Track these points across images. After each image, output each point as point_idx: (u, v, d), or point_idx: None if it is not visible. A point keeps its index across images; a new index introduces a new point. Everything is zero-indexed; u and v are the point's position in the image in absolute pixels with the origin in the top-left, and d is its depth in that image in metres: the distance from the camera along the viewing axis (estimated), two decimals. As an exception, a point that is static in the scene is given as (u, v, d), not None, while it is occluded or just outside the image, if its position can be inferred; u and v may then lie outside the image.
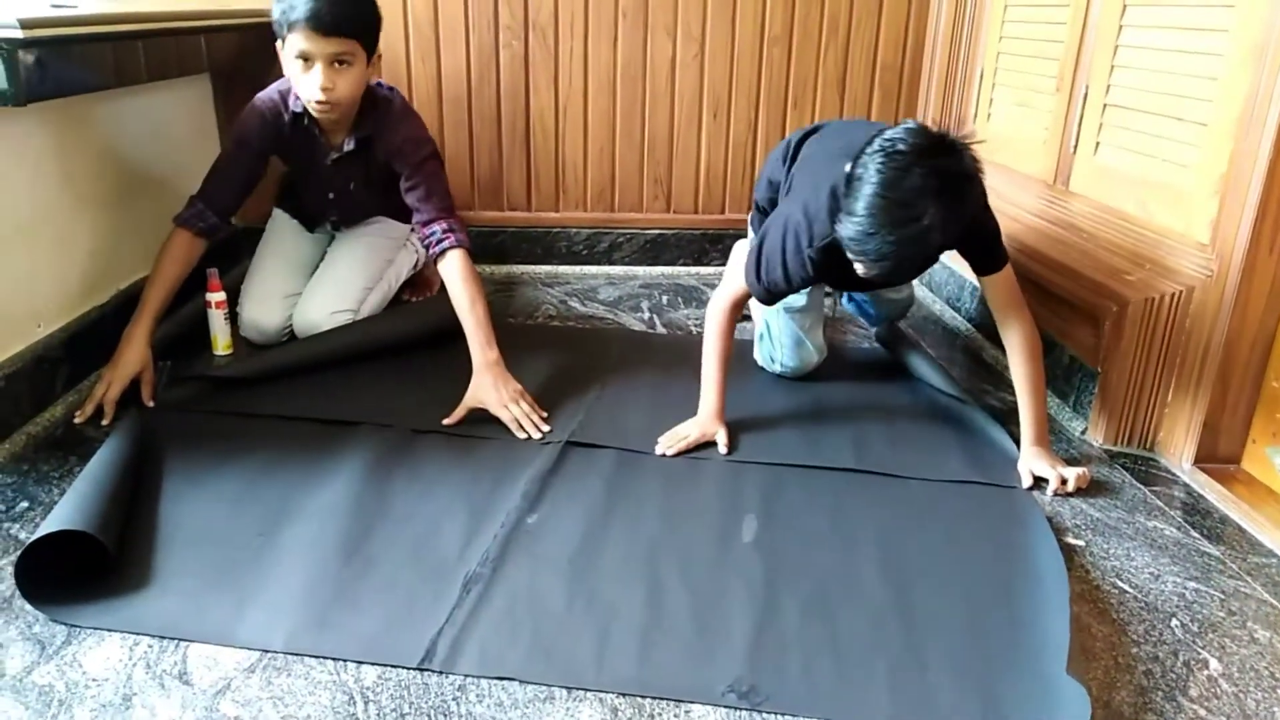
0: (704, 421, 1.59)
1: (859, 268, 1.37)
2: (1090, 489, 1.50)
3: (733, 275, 1.70)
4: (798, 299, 1.79)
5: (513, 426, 1.58)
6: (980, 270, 1.55)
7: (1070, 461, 1.55)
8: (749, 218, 1.95)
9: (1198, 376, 1.54)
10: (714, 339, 1.63)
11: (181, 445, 1.50)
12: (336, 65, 1.66)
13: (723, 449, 1.55)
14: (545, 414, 1.63)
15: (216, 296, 1.84)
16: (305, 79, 1.67)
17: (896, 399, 1.79)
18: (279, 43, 1.69)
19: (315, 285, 1.94)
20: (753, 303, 2.08)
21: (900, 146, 1.27)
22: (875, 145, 1.30)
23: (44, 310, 1.63)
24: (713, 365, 1.63)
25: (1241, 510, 1.44)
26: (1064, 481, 1.47)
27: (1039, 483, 1.49)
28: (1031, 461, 1.51)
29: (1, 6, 1.44)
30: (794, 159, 1.74)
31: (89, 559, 1.17)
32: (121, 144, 1.87)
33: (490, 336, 1.66)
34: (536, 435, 1.57)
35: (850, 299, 2.07)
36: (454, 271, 1.70)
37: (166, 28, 1.82)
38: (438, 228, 1.73)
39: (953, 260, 2.28)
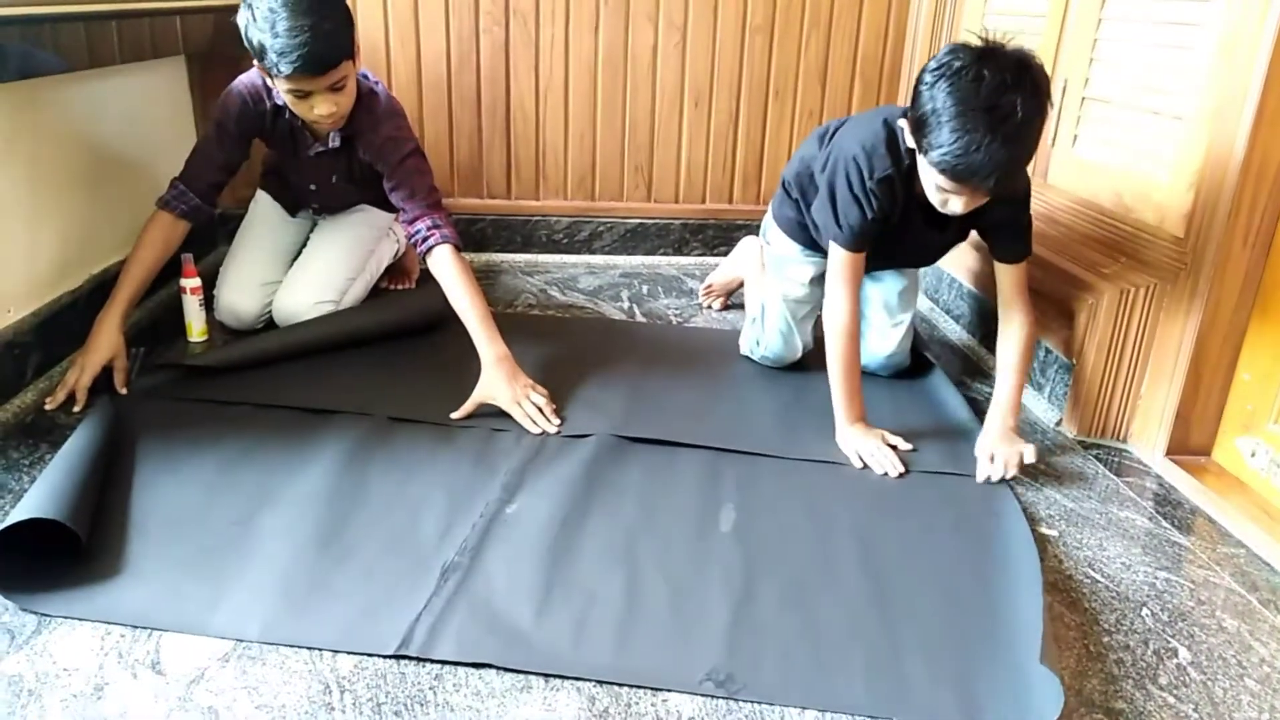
0: (864, 431, 1.53)
1: (959, 198, 1.33)
2: (1064, 479, 1.51)
3: (835, 264, 1.56)
4: (798, 288, 1.78)
5: (526, 423, 1.56)
6: (1004, 258, 1.55)
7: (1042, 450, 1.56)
8: (772, 202, 1.88)
9: (1171, 369, 1.56)
10: (844, 339, 1.54)
11: (155, 432, 1.48)
12: (334, 90, 1.63)
13: (906, 445, 1.53)
14: (556, 406, 1.61)
15: (191, 282, 1.82)
16: (303, 105, 1.63)
17: (874, 390, 1.79)
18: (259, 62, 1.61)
19: (298, 274, 1.92)
20: (747, 287, 2.07)
21: (956, 63, 1.27)
22: (929, 77, 1.29)
23: (14, 295, 1.60)
24: (850, 367, 1.55)
25: (1211, 501, 1.46)
26: (1020, 460, 1.46)
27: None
28: (995, 445, 1.49)
29: (-31, -16, 1.42)
30: (833, 137, 1.69)
31: (60, 548, 1.16)
32: (95, 127, 1.84)
33: (495, 330, 1.63)
34: (551, 430, 1.55)
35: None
36: (446, 268, 1.67)
37: (141, 9, 1.79)
38: (423, 225, 1.69)
39: (948, 265, 2.28)
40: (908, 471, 1.48)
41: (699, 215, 2.59)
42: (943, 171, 1.31)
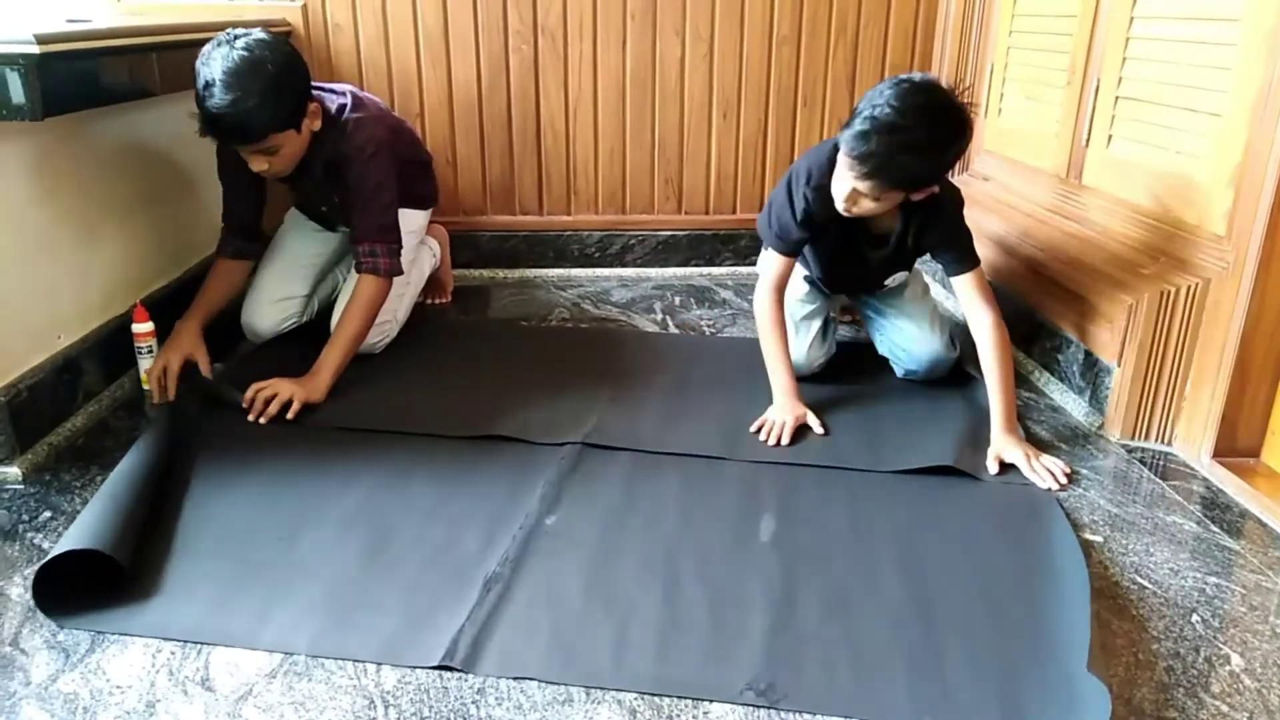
0: (788, 404, 1.64)
1: (846, 171, 1.49)
2: (1107, 484, 1.49)
3: (764, 263, 1.75)
4: (797, 290, 1.81)
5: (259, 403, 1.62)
6: (953, 271, 1.64)
7: (1078, 456, 1.54)
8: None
9: (1215, 369, 1.53)
10: (766, 325, 1.70)
11: (202, 452, 1.51)
12: (264, 152, 1.64)
13: (819, 429, 1.61)
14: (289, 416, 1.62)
15: (140, 327, 1.73)
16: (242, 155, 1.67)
17: (910, 398, 1.78)
18: None
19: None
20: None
21: (902, 78, 1.48)
22: (889, 79, 1.49)
23: (64, 321, 1.65)
24: (773, 347, 1.69)
25: (1262, 504, 1.42)
26: (1032, 466, 1.49)
27: (1005, 469, 1.50)
28: (1001, 448, 1.52)
29: (18, 22, 1.46)
30: None
31: (107, 570, 1.18)
32: (138, 156, 1.89)
33: (335, 364, 1.70)
34: (256, 418, 1.61)
35: (882, 342, 1.93)
36: (356, 292, 1.76)
37: (180, 40, 1.84)
38: (363, 248, 1.76)
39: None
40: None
41: (730, 226, 2.60)
42: (846, 150, 1.48)
